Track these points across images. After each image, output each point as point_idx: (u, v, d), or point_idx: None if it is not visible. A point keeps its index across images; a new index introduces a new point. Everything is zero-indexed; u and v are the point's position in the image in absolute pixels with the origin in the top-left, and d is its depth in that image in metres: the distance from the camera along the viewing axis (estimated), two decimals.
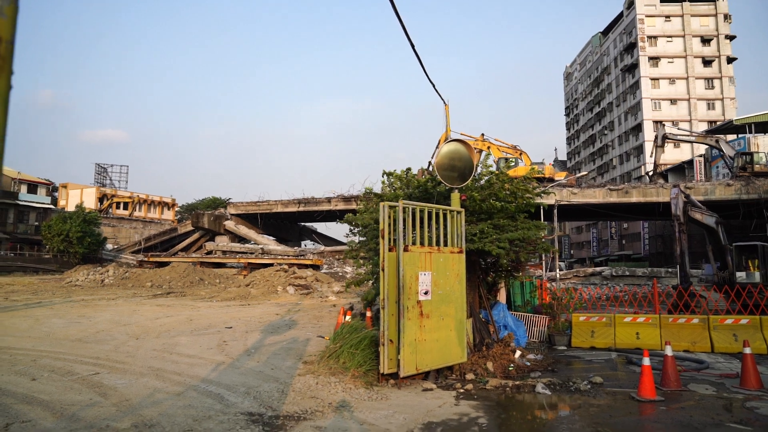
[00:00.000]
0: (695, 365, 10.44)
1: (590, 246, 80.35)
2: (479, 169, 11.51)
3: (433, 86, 9.14)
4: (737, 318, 12.68)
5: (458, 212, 9.23)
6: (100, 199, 61.69)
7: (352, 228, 11.70)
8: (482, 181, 12.04)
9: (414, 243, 8.39)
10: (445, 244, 8.97)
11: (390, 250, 8.16)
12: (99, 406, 6.09)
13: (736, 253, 21.71)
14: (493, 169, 12.28)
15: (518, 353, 10.86)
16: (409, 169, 11.56)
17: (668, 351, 8.56)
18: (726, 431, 6.14)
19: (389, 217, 8.22)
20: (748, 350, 8.63)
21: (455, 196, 9.48)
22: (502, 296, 14.48)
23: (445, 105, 11.31)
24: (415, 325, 8.10)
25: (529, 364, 10.52)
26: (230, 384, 7.34)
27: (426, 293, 8.36)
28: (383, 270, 8.09)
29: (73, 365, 8.39)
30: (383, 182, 12.57)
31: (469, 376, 8.99)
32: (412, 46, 6.70)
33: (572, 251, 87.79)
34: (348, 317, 10.49)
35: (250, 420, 5.81)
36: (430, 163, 40.18)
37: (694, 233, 30.12)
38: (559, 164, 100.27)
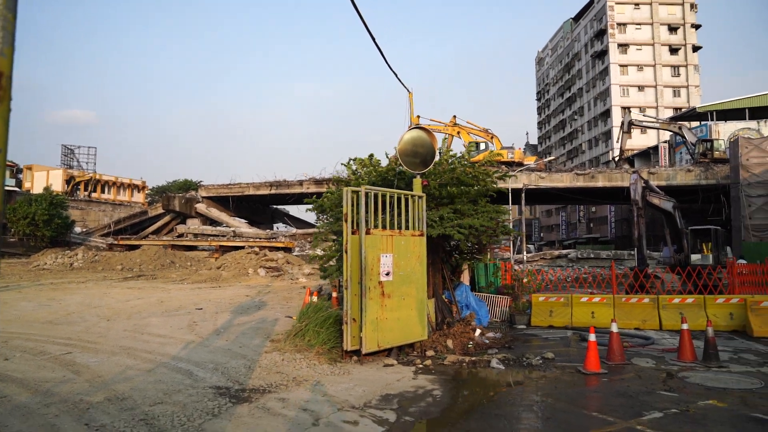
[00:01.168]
0: (642, 341, 11.16)
1: (559, 229, 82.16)
2: (438, 155, 11.90)
3: (396, 75, 9.51)
4: (684, 297, 13.49)
5: (419, 197, 9.65)
6: (67, 181, 60.36)
7: (317, 213, 12.02)
8: (448, 162, 12.46)
9: (376, 226, 8.79)
10: (407, 228, 9.40)
11: (353, 233, 8.55)
12: (72, 383, 6.39)
13: (692, 237, 22.70)
14: (458, 153, 12.69)
15: (478, 331, 11.43)
16: (371, 155, 11.91)
17: (613, 328, 9.19)
18: (656, 398, 6.75)
19: (352, 201, 8.59)
20: (685, 326, 9.34)
21: (417, 182, 9.89)
22: (465, 278, 15.03)
23: (409, 93, 11.68)
24: (376, 304, 8.53)
25: (488, 341, 11.10)
26: (199, 361, 7.70)
27: (387, 274, 8.79)
28: (346, 252, 8.48)
29: (45, 345, 8.61)
30: (348, 166, 12.87)
31: (430, 353, 9.51)
32: (373, 39, 7.02)
33: (542, 234, 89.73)
34: (315, 298, 10.88)
35: (218, 393, 6.19)
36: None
37: (656, 218, 31.22)
38: (531, 148, 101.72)
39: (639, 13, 73.66)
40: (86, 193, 61.70)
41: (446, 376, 7.89)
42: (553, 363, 8.91)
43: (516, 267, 27.67)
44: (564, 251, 40.08)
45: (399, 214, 9.27)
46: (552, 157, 56.76)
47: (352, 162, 12.89)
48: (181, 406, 5.59)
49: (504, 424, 5.72)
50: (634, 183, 20.57)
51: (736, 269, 17.37)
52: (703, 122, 51.89)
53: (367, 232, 8.51)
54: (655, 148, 57.63)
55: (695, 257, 22.35)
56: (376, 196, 8.87)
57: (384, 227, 8.87)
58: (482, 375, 8.09)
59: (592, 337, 8.54)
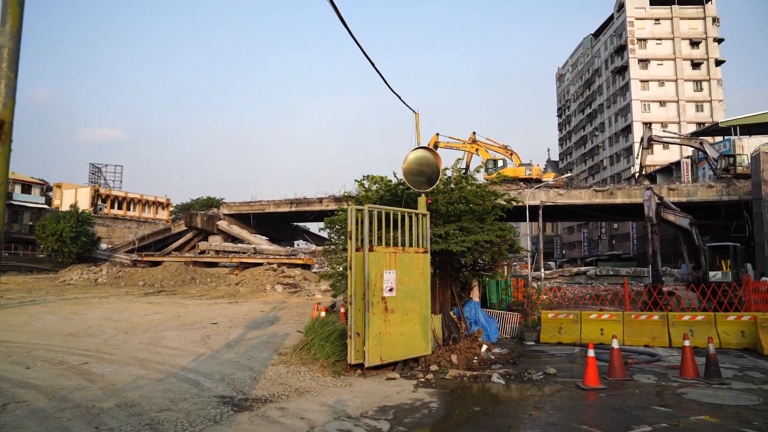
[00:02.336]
0: (648, 357, 11.19)
1: (581, 246, 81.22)
2: (449, 173, 12.21)
3: (400, 98, 9.89)
4: (694, 315, 13.43)
5: (423, 215, 9.94)
6: (102, 199, 62.25)
7: (329, 230, 12.42)
8: (452, 185, 12.77)
9: (381, 243, 9.10)
10: (411, 245, 9.68)
11: (357, 250, 8.87)
12: (86, 390, 6.80)
13: (710, 254, 22.43)
14: (469, 172, 12.99)
15: (484, 347, 11.57)
16: (381, 177, 12.29)
17: (614, 344, 9.28)
18: (649, 413, 6.86)
19: (357, 219, 8.93)
20: (687, 343, 9.40)
21: (421, 200, 10.19)
22: (475, 294, 15.19)
23: (416, 114, 12.04)
24: (379, 319, 8.80)
25: (493, 357, 11.23)
26: (207, 372, 8.05)
27: (391, 290, 9.07)
28: (350, 268, 8.80)
29: (65, 356, 9.08)
30: (360, 183, 13.28)
31: (433, 367, 9.70)
32: (372, 64, 7.40)
33: (564, 251, 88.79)
34: (323, 313, 11.19)
35: (222, 402, 6.52)
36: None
37: (677, 234, 30.86)
38: (552, 165, 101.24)
39: (659, 28, 73.32)
40: (104, 208, 63.23)
41: (446, 389, 8.09)
42: (554, 378, 9.03)
43: (534, 284, 27.65)
44: (583, 268, 39.73)
45: (403, 233, 9.57)
46: (569, 174, 56.45)
47: (364, 180, 13.30)
48: (186, 413, 5.93)
49: None
50: (648, 200, 20.53)
51: (752, 286, 17.16)
52: (726, 137, 51.24)
53: (371, 249, 8.82)
54: (678, 164, 56.94)
55: (714, 274, 22.04)
56: (380, 214, 9.19)
57: (388, 244, 9.17)
58: (481, 389, 8.27)
59: (591, 353, 8.66)
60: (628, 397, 7.74)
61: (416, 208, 10.19)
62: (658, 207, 20.67)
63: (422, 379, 8.72)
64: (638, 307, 18.00)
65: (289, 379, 7.86)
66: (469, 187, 12.45)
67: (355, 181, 13.52)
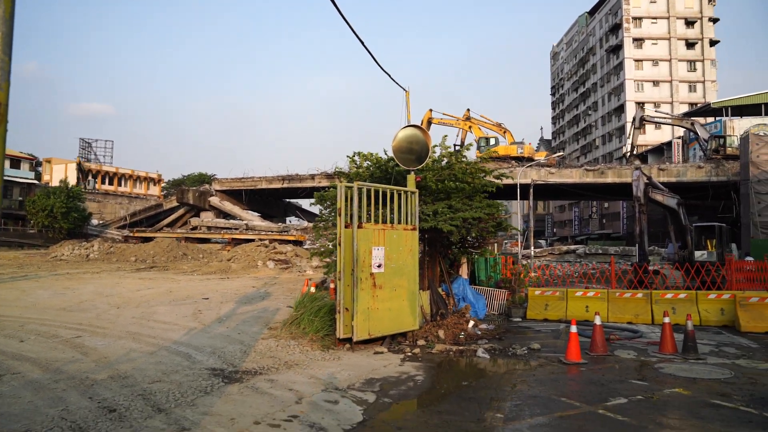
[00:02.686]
0: (630, 334, 11.49)
1: (572, 225, 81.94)
2: (438, 151, 12.30)
3: (389, 76, 9.92)
4: (676, 293, 13.76)
5: (412, 192, 10.07)
6: (85, 174, 61.75)
7: (319, 206, 12.53)
8: (443, 162, 12.89)
9: (370, 220, 9.23)
10: (400, 222, 9.83)
11: (346, 226, 9.01)
12: (80, 363, 6.96)
13: (696, 234, 22.76)
14: (462, 151, 13.09)
15: (471, 323, 11.81)
16: (373, 154, 12.37)
17: (597, 320, 9.54)
18: (627, 386, 7.12)
19: (346, 196, 9.04)
20: (667, 320, 9.69)
21: (411, 178, 10.31)
22: (464, 271, 15.42)
23: (406, 92, 12.07)
24: (368, 294, 8.99)
25: (480, 332, 11.49)
26: (199, 345, 8.24)
27: (379, 266, 9.24)
28: (340, 244, 8.96)
29: (58, 330, 9.23)
30: (352, 160, 13.37)
31: (421, 342, 9.94)
32: (362, 42, 7.42)
33: (555, 229, 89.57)
34: (313, 288, 11.37)
35: (213, 374, 6.71)
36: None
37: (666, 214, 31.24)
38: (545, 143, 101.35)
39: (655, 6, 72.85)
40: (96, 184, 62.78)
41: (431, 363, 8.33)
42: (538, 353, 9.29)
43: (524, 262, 27.97)
44: (572, 247, 40.22)
45: (392, 211, 9.70)
46: (561, 153, 56.58)
47: (355, 156, 13.38)
48: (177, 384, 6.12)
49: (474, 406, 6.14)
50: (637, 179, 20.75)
51: (734, 266, 17.53)
52: (718, 118, 51.46)
53: (359, 226, 8.95)
54: (669, 144, 57.24)
55: (699, 254, 22.38)
56: (369, 191, 9.31)
57: (377, 221, 9.31)
58: (466, 363, 8.52)
59: (573, 329, 8.91)
60: (607, 372, 8.01)
61: (406, 186, 10.31)
62: (647, 187, 20.89)
63: (409, 354, 8.95)
64: (623, 286, 18.33)
65: (279, 353, 8.06)
66: (458, 165, 12.57)
67: (347, 157, 13.61)
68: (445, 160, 12.61)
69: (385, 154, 12.16)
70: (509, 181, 37.20)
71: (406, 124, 10.33)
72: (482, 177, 12.59)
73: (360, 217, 9.02)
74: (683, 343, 9.34)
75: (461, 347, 9.55)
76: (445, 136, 11.91)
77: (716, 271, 17.28)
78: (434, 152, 11.97)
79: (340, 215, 8.92)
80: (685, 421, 5.70)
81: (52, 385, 5.96)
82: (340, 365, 7.75)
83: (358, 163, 12.85)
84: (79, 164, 61.57)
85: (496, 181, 13.21)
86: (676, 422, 5.65)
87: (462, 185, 11.98)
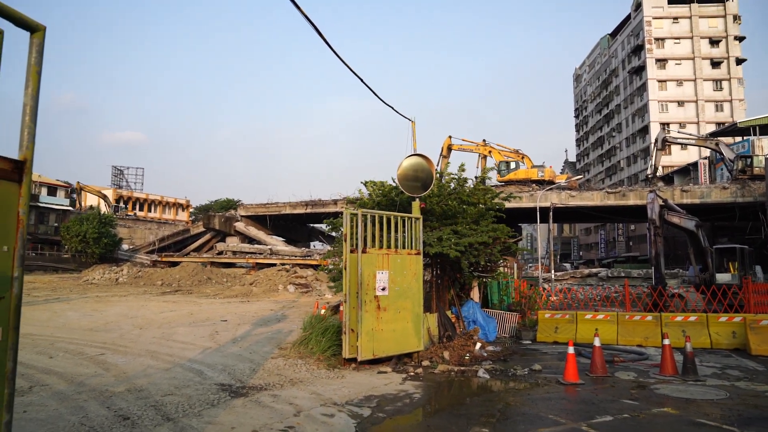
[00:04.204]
0: (635, 356, 11.61)
1: (598, 247, 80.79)
2: (443, 178, 12.79)
3: (394, 109, 10.50)
4: (686, 316, 13.79)
5: (416, 219, 10.54)
6: (116, 201, 64.00)
7: (332, 232, 13.12)
8: (451, 186, 13.37)
9: (374, 246, 9.72)
10: (404, 247, 10.29)
11: (352, 251, 9.51)
12: (101, 377, 7.58)
13: (718, 256, 22.57)
14: (461, 175, 13.55)
15: (478, 345, 12.09)
16: (382, 182, 12.96)
17: (596, 342, 9.77)
18: (617, 405, 7.35)
19: (352, 222, 9.57)
20: (666, 342, 9.85)
21: (415, 204, 10.79)
22: (475, 294, 15.70)
23: (412, 122, 12.65)
24: (372, 316, 9.43)
25: (486, 354, 11.75)
26: (211, 363, 8.78)
27: (383, 289, 9.69)
28: (346, 269, 9.45)
29: (84, 348, 9.93)
30: (360, 190, 14.04)
31: (425, 363, 10.28)
32: (361, 80, 8.02)
33: (581, 252, 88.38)
34: (323, 311, 11.86)
35: (221, 389, 7.22)
36: (436, 170, 41.42)
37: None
38: (569, 166, 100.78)
39: (678, 27, 72.67)
40: (125, 210, 64.87)
41: (431, 382, 8.68)
42: (538, 374, 9.54)
43: (546, 286, 27.97)
44: (595, 270, 39.84)
45: (396, 234, 10.18)
46: (581, 177, 56.35)
47: (366, 185, 14.00)
48: (187, 397, 6.65)
49: (463, 421, 6.49)
50: (651, 202, 20.80)
51: (751, 288, 17.39)
52: (745, 137, 50.71)
53: (364, 251, 9.44)
54: (695, 165, 56.48)
55: (722, 276, 22.15)
56: (373, 217, 9.82)
57: (380, 246, 9.79)
58: (465, 383, 8.83)
59: (571, 350, 9.17)
60: (602, 392, 8.23)
61: (413, 212, 10.79)
62: (662, 209, 20.91)
63: (412, 373, 9.30)
64: (638, 308, 18.30)
65: (286, 371, 8.53)
66: (463, 189, 13.04)
67: (361, 183, 14.25)
68: (452, 185, 13.07)
69: (393, 182, 12.71)
70: (530, 204, 37.44)
71: (411, 153, 10.86)
72: (488, 198, 12.97)
73: (365, 243, 9.52)
74: (683, 365, 9.48)
75: (464, 368, 9.85)
76: (462, 164, 12.40)
77: (734, 294, 17.16)
78: (442, 179, 12.45)
79: (345, 241, 9.45)
80: None
81: (75, 396, 6.57)
82: (343, 383, 8.17)
83: (367, 191, 13.45)
84: (105, 196, 63.82)
85: (503, 202, 13.58)
86: None
87: (467, 207, 12.40)
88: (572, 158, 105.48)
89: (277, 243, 49.38)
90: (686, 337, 9.77)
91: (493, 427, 6.26)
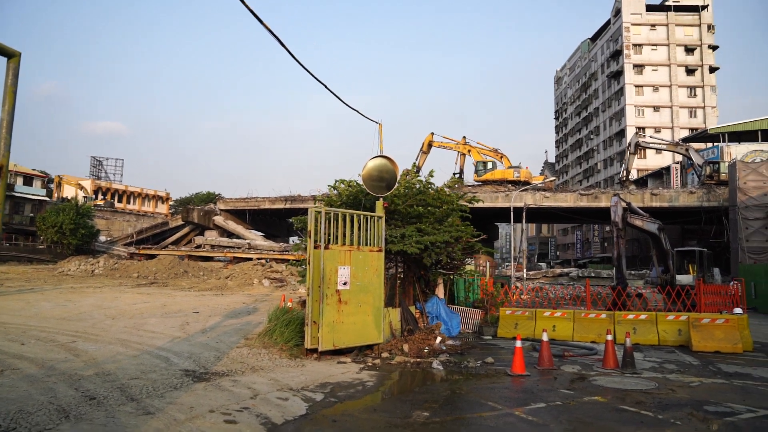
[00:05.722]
0: (585, 351, 12.33)
1: (575, 248, 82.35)
2: (409, 177, 13.36)
3: (360, 113, 10.98)
4: (637, 314, 14.57)
5: (379, 217, 11.10)
6: (95, 192, 63.45)
7: (300, 229, 13.60)
8: (416, 187, 13.95)
9: (338, 242, 10.25)
10: (367, 244, 10.84)
11: (315, 247, 10.03)
12: (71, 362, 8.01)
13: (678, 258, 23.52)
14: (427, 178, 14.13)
15: (438, 339, 12.71)
16: (356, 182, 13.49)
17: (544, 337, 10.45)
18: (553, 394, 7.99)
19: (316, 220, 10.09)
20: (609, 337, 10.56)
21: (379, 204, 11.35)
22: (440, 291, 16.32)
23: (379, 125, 13.19)
24: (333, 309, 9.96)
25: (445, 348, 12.36)
26: (178, 351, 9.25)
27: (345, 284, 10.23)
28: (309, 263, 9.97)
29: (56, 336, 10.30)
30: (336, 186, 14.50)
31: (384, 354, 10.85)
32: (324, 84, 8.52)
33: (558, 252, 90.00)
34: (290, 303, 12.36)
35: (185, 374, 7.71)
36: (414, 164, 42.16)
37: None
38: (549, 167, 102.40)
39: (655, 34, 74.34)
40: (93, 201, 64.25)
41: (386, 372, 9.25)
42: (489, 366, 10.17)
43: (518, 284, 28.72)
44: (566, 270, 40.92)
45: (359, 232, 10.72)
46: (554, 178, 57.49)
47: (338, 183, 14.51)
48: (152, 381, 7.13)
49: (407, 406, 7.06)
50: (615, 205, 21.60)
51: (702, 289, 18.30)
52: (715, 144, 52.24)
53: (326, 247, 9.97)
54: (668, 169, 57.99)
55: (683, 278, 23.09)
56: (337, 215, 10.35)
57: (343, 243, 10.33)
58: (417, 373, 9.41)
59: (518, 344, 9.84)
60: (544, 383, 8.87)
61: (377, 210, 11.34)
62: (624, 212, 21.75)
63: (370, 364, 9.87)
64: (608, 307, 19.04)
65: (249, 359, 9.04)
66: (430, 192, 13.62)
67: (330, 185, 14.74)
68: (417, 186, 13.65)
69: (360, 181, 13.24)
70: (505, 204, 38.26)
71: (376, 155, 11.39)
72: (452, 201, 13.58)
73: (329, 239, 10.05)
74: (622, 359, 10.20)
75: (419, 359, 10.44)
76: (414, 163, 12.94)
77: (693, 294, 18.03)
78: (407, 180, 13.01)
79: (309, 237, 9.97)
80: (582, 421, 6.58)
81: (45, 378, 7.00)
82: (302, 371, 8.70)
83: (337, 190, 13.96)
84: (80, 186, 63.24)
85: (468, 204, 14.20)
86: (575, 422, 6.54)
87: (432, 210, 12.99)
88: (552, 159, 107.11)
89: (255, 237, 49.59)
90: (626, 334, 10.49)
91: (434, 411, 6.84)
